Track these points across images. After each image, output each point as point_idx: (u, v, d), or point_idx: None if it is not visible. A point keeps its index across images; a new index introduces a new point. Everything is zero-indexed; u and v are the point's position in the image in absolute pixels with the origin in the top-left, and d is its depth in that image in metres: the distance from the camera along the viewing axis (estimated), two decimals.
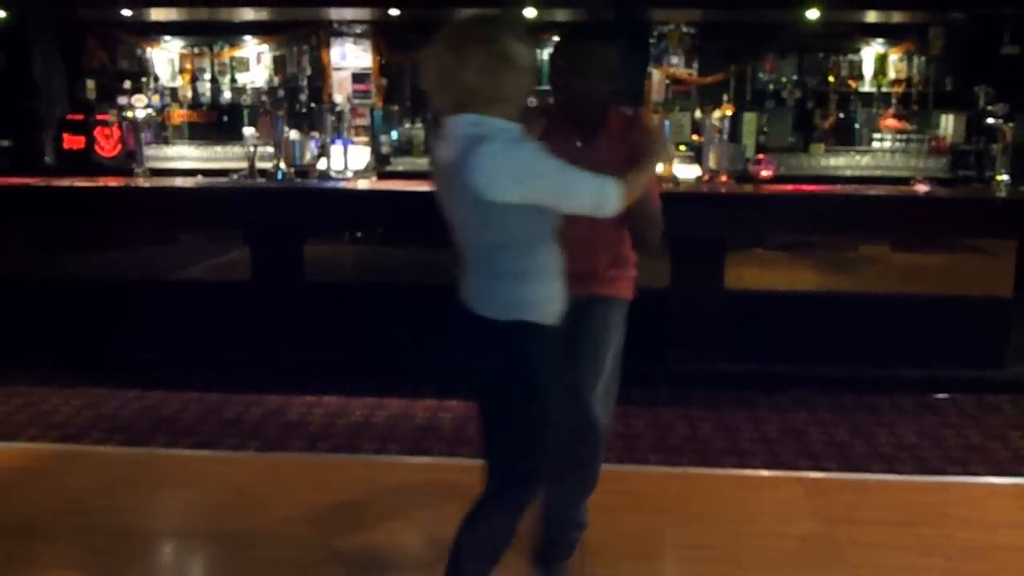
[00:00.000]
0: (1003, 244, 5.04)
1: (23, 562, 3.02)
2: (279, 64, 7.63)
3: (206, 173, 6.19)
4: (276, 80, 7.61)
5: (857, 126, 7.57)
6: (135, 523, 3.28)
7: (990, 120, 5.82)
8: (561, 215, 2.22)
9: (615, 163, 2.33)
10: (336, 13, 7.19)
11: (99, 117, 7.18)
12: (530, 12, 6.39)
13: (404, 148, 7.65)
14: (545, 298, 2.26)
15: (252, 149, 5.50)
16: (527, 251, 2.22)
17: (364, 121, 7.42)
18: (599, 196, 2.18)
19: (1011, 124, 5.60)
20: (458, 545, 2.35)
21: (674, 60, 7.12)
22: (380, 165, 7.16)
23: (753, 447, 4.17)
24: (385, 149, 7.56)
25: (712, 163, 5.61)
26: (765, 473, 3.87)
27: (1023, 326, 5.14)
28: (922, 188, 5.31)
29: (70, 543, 3.12)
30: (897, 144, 7.36)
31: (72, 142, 6.84)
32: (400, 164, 7.42)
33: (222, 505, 3.44)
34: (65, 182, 5.32)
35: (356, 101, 7.35)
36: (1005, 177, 5.31)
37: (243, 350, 5.03)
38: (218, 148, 7.55)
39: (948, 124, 7.11)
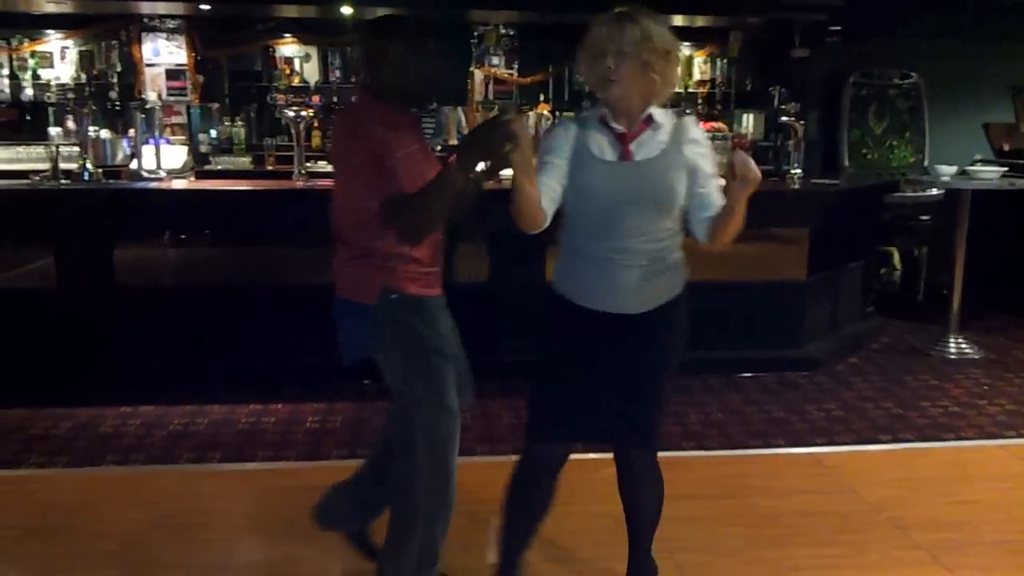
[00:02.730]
0: (798, 232, 5.44)
1: None
2: (86, 59, 7.21)
3: (6, 175, 5.78)
4: (83, 76, 7.20)
5: None
6: None
7: (784, 118, 6.25)
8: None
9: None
10: (147, 7, 6.89)
11: None
12: (346, 9, 6.36)
13: (224, 146, 7.43)
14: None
15: (55, 149, 5.20)
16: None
17: (181, 119, 7.15)
18: None
19: (803, 122, 6.05)
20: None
21: (495, 60, 7.26)
22: (199, 164, 6.93)
23: None
24: (204, 147, 7.32)
25: None
26: (585, 456, 4.02)
27: (816, 307, 5.59)
28: (721, 182, 5.65)
29: None
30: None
31: None
32: (220, 163, 7.20)
33: (26, 527, 3.27)
34: None
35: (171, 98, 7.07)
36: (798, 171, 5.73)
37: (50, 362, 4.76)
38: (20, 149, 7.06)
39: (749, 122, 7.60)
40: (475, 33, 7.27)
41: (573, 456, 3.99)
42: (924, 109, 7.83)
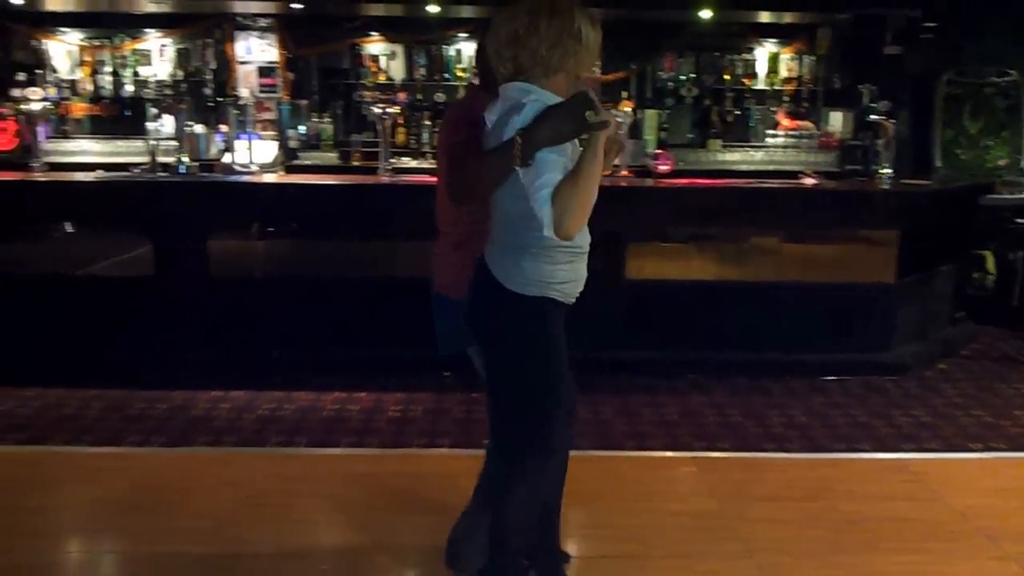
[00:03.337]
0: (887, 234, 5.32)
1: None
2: (183, 57, 7.50)
3: (108, 168, 6.05)
4: (180, 74, 7.47)
5: (752, 123, 7.86)
6: (36, 523, 3.23)
7: (874, 117, 6.11)
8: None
9: None
10: (241, 6, 7.12)
11: None
12: (433, 8, 6.46)
13: (312, 143, 7.62)
14: (569, 279, 2.34)
15: (154, 143, 5.42)
16: None
17: (271, 115, 7.36)
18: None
19: (893, 121, 5.91)
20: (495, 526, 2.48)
21: None
22: (288, 159, 7.12)
23: (652, 430, 4.33)
24: (293, 143, 7.52)
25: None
26: (662, 454, 4.03)
27: (905, 311, 5.45)
28: (809, 181, 5.57)
29: None
30: (789, 140, 7.68)
31: None
32: (308, 158, 7.39)
33: (124, 502, 3.42)
34: None
35: (262, 95, 7.28)
36: (888, 171, 5.61)
37: (147, 346, 4.96)
38: (120, 143, 7.37)
39: (837, 121, 7.45)
40: None
41: (651, 454, 4.03)
42: (1023, 108, 7.55)
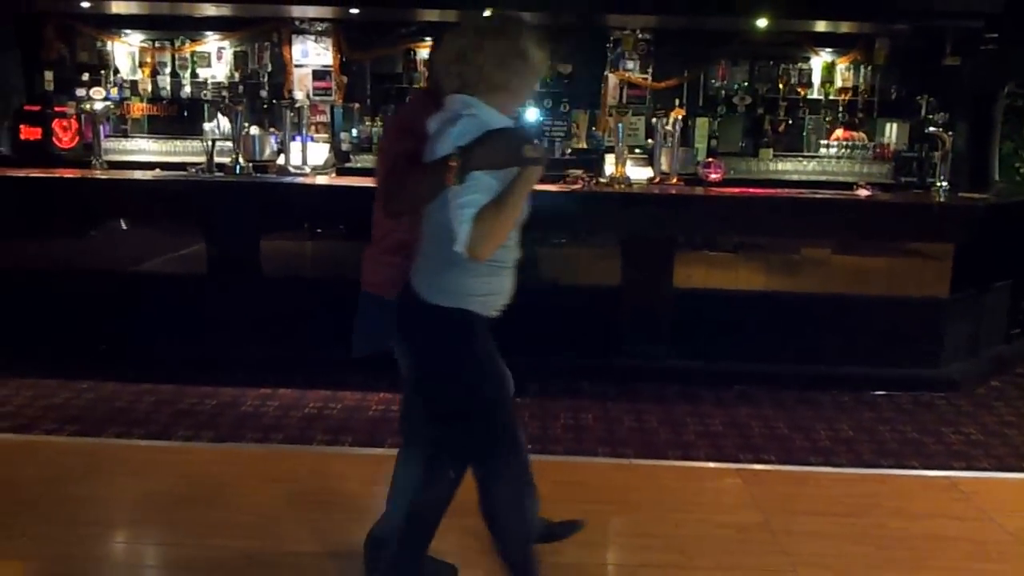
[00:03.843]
0: (941, 247, 5.23)
1: None
2: (240, 60, 7.63)
3: (165, 167, 6.18)
4: (237, 76, 7.61)
5: (804, 133, 7.78)
6: (86, 513, 3.32)
7: (931, 128, 6.01)
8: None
9: None
10: (298, 11, 7.22)
11: (57, 109, 7.13)
12: (486, 13, 6.46)
13: (364, 145, 7.71)
14: (491, 292, 2.36)
15: (211, 143, 5.53)
16: None
17: (324, 118, 7.46)
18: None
19: (951, 133, 5.80)
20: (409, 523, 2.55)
21: (629, 65, 7.26)
22: (339, 162, 7.21)
23: (697, 440, 4.30)
24: (345, 146, 7.61)
25: (664, 166, 5.75)
26: (707, 464, 4.00)
27: (958, 327, 5.34)
28: (864, 192, 5.49)
29: (21, 534, 3.14)
30: (843, 150, 7.58)
31: (29, 133, 6.81)
32: (359, 161, 7.48)
33: (173, 495, 3.49)
34: (20, 172, 5.30)
35: (316, 98, 7.39)
36: (944, 183, 5.50)
37: (198, 343, 5.06)
38: (177, 142, 7.54)
39: (892, 132, 7.33)
40: (611, 38, 7.29)
41: (695, 464, 4.01)
42: None
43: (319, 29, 7.34)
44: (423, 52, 7.65)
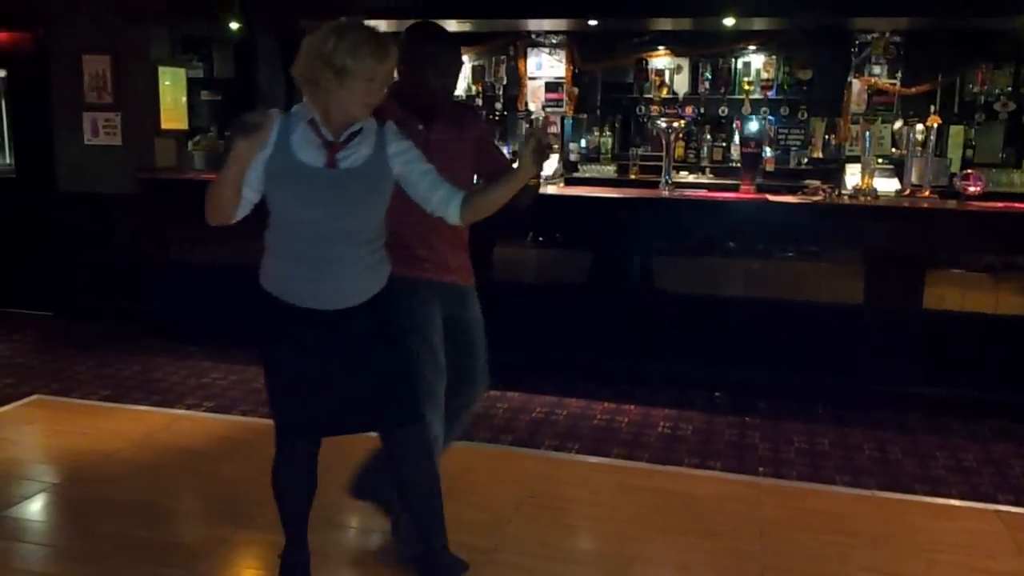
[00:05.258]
0: None
1: (240, 523, 3.34)
2: (477, 73, 7.90)
3: None
4: (475, 89, 7.89)
5: None
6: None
7: None
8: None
9: (448, 144, 2.81)
10: (534, 24, 7.38)
11: None
12: (728, 20, 6.33)
13: (591, 156, 7.79)
14: (281, 276, 2.55)
15: None
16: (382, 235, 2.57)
17: (554, 129, 7.58)
18: None
19: None
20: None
21: (876, 70, 6.83)
22: (567, 171, 7.31)
23: (947, 475, 3.97)
24: (574, 156, 7.72)
25: (915, 177, 5.37)
26: (961, 503, 3.68)
27: None
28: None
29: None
30: None
31: None
32: (587, 171, 7.55)
33: None
34: None
35: (548, 109, 7.53)
36: None
37: None
38: None
39: None
40: (856, 41, 6.90)
41: (948, 502, 3.69)
42: None
43: (554, 42, 7.47)
44: (655, 61, 7.61)
